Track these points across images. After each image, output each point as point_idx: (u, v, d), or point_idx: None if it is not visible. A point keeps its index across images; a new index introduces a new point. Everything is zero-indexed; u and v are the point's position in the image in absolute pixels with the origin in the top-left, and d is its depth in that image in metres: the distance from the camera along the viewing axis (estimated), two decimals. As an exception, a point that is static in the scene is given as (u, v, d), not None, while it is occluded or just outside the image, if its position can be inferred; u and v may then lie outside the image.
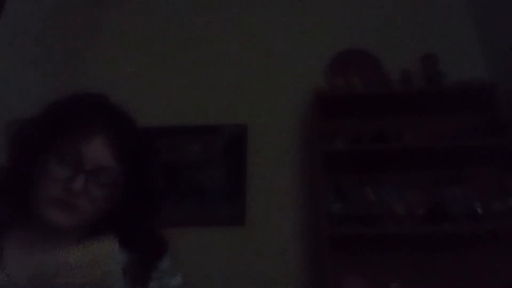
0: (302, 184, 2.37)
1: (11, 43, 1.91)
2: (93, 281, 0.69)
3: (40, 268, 0.69)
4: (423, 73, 2.36)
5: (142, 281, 0.79)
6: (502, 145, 2.08)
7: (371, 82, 2.36)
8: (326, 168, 2.12)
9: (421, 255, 2.09)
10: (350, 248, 2.11)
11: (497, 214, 2.00)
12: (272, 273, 2.16)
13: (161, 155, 2.39)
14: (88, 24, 2.75)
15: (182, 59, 2.74)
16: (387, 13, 2.70)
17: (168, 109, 2.55)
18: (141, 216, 0.80)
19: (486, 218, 2.00)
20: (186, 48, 2.78)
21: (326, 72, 2.57)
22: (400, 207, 2.08)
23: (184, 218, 2.28)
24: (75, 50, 2.54)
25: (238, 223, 2.29)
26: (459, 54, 2.50)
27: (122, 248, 0.76)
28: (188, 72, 2.70)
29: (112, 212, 0.75)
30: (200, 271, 2.09)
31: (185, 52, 2.77)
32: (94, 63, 2.63)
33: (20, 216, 0.72)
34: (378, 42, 2.58)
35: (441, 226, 1.99)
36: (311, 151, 2.38)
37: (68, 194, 0.69)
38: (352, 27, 2.70)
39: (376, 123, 2.30)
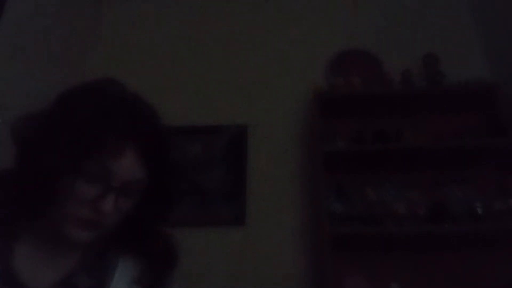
0: (302, 184, 2.36)
1: (11, 43, 1.91)
2: None
3: (56, 278, 0.66)
4: (424, 73, 2.36)
5: None
6: (503, 145, 2.08)
7: (371, 82, 2.36)
8: (326, 168, 2.12)
9: (422, 255, 2.09)
10: (351, 248, 2.11)
11: (497, 214, 2.00)
12: (272, 273, 2.15)
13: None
14: (90, 25, 2.75)
15: (183, 60, 2.74)
16: (388, 13, 2.69)
17: (168, 109, 2.53)
18: (157, 222, 0.75)
19: (486, 218, 2.00)
20: (187, 49, 2.78)
21: (326, 72, 2.56)
22: (401, 207, 2.08)
23: (184, 218, 2.27)
24: (76, 50, 2.54)
25: (238, 223, 2.28)
26: (460, 54, 2.50)
27: (134, 258, 0.73)
28: (188, 72, 2.70)
29: (130, 218, 0.70)
30: (200, 271, 2.09)
31: (185, 53, 2.76)
32: (95, 64, 2.62)
33: (32, 225, 0.68)
34: (379, 42, 2.58)
35: (441, 226, 1.98)
36: (311, 151, 2.38)
37: (97, 215, 0.63)
38: (353, 27, 2.70)
39: (377, 123, 2.30)
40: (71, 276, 0.68)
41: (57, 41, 2.28)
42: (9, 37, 1.88)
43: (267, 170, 2.41)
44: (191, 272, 2.03)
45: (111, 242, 0.72)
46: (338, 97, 2.33)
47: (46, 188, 0.62)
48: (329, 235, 1.97)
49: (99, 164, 0.62)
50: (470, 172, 2.20)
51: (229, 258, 2.21)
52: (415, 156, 2.17)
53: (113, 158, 0.63)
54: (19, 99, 1.71)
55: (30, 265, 0.66)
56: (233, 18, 2.85)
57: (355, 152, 2.18)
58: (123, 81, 0.74)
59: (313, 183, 2.32)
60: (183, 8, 2.90)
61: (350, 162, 2.23)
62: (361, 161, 2.21)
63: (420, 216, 2.05)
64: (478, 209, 2.03)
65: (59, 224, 0.64)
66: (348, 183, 2.24)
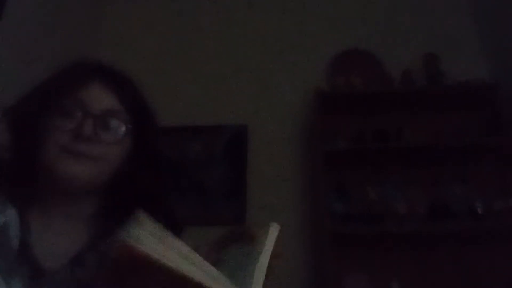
0: (303, 183, 2.36)
1: (11, 43, 1.91)
2: None
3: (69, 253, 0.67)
4: (424, 73, 2.36)
5: None
6: (503, 144, 2.08)
7: (372, 81, 2.36)
8: (327, 167, 2.12)
9: (422, 254, 2.09)
10: (351, 247, 2.11)
11: (497, 212, 2.00)
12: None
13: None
14: (90, 25, 2.75)
15: (183, 59, 2.74)
16: (388, 12, 2.70)
17: (169, 109, 2.54)
18: (153, 183, 0.76)
19: (486, 217, 2.00)
20: (187, 48, 2.78)
21: (327, 71, 2.56)
22: (401, 206, 2.08)
23: (184, 217, 2.27)
24: (76, 50, 2.54)
25: (238, 222, 2.28)
26: (460, 53, 2.50)
27: None
28: (188, 72, 2.70)
29: (126, 175, 0.72)
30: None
31: (185, 52, 2.76)
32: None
33: (38, 189, 0.69)
34: (380, 42, 2.58)
35: (442, 224, 1.99)
36: (312, 151, 2.38)
37: (78, 142, 0.66)
38: (353, 27, 2.69)
39: (377, 122, 2.30)
40: (80, 253, 0.68)
41: (57, 41, 2.28)
42: (10, 37, 1.88)
43: (267, 170, 2.41)
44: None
45: (112, 214, 0.72)
46: (338, 97, 2.33)
47: (29, 130, 0.67)
48: (330, 234, 1.97)
49: (69, 97, 0.68)
50: (470, 171, 2.20)
51: (230, 258, 2.21)
52: (415, 155, 2.17)
53: (81, 88, 0.69)
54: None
55: (43, 242, 0.66)
56: (234, 18, 2.84)
57: (356, 151, 2.19)
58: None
59: (314, 182, 2.32)
60: (183, 8, 2.90)
61: (350, 161, 2.23)
62: (362, 160, 2.22)
63: (420, 214, 2.05)
64: (478, 207, 2.04)
65: (50, 163, 0.66)
66: (348, 182, 2.24)
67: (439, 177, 2.21)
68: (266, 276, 0.56)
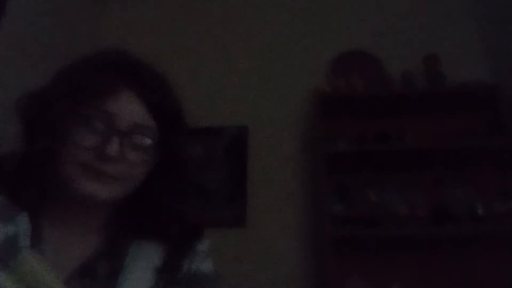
0: (303, 185, 2.36)
1: (12, 44, 1.91)
2: None
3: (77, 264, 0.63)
4: (425, 74, 2.36)
5: (173, 272, 0.68)
6: (504, 146, 2.07)
7: (372, 83, 2.36)
8: (328, 169, 2.12)
9: (423, 256, 2.08)
10: (352, 250, 2.10)
11: (498, 215, 2.00)
12: (273, 275, 2.15)
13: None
14: (90, 25, 2.75)
15: (183, 62, 2.73)
16: (388, 14, 2.69)
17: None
18: (173, 198, 0.70)
19: (487, 220, 2.00)
20: (187, 50, 2.78)
21: (327, 73, 2.56)
22: (402, 209, 2.07)
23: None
24: (76, 50, 2.54)
25: (239, 224, 2.28)
26: (460, 55, 2.50)
27: (150, 240, 0.68)
28: (189, 73, 2.69)
29: (148, 187, 0.66)
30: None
31: (185, 54, 2.76)
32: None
33: (53, 195, 0.64)
34: (380, 43, 2.58)
35: (443, 227, 1.98)
36: (313, 152, 2.37)
37: (101, 161, 0.59)
38: (354, 28, 2.69)
39: (378, 124, 2.29)
40: (89, 261, 0.65)
41: (58, 41, 2.28)
42: (10, 37, 1.88)
43: (268, 172, 2.40)
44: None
45: (126, 222, 0.69)
46: (339, 98, 2.33)
47: (45, 143, 0.60)
48: (330, 237, 1.97)
49: (96, 106, 0.60)
50: (471, 173, 2.19)
51: (230, 260, 2.20)
52: (416, 157, 2.16)
53: (109, 98, 0.60)
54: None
55: (53, 250, 0.63)
56: (234, 19, 2.84)
57: (356, 153, 2.18)
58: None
59: (314, 184, 2.32)
60: (183, 9, 2.90)
61: (351, 163, 2.22)
62: (363, 162, 2.21)
63: (421, 217, 2.05)
64: (479, 210, 2.03)
65: (70, 179, 0.60)
66: (349, 184, 2.24)
67: (440, 179, 2.20)
68: None
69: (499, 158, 2.14)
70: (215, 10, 2.88)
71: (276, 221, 2.28)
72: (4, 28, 1.83)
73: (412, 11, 2.69)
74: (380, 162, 2.21)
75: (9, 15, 1.87)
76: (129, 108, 0.62)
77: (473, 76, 2.29)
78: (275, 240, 2.24)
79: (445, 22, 2.64)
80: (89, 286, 0.63)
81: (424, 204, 2.10)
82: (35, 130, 0.62)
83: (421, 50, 2.46)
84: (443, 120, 2.31)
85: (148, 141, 0.64)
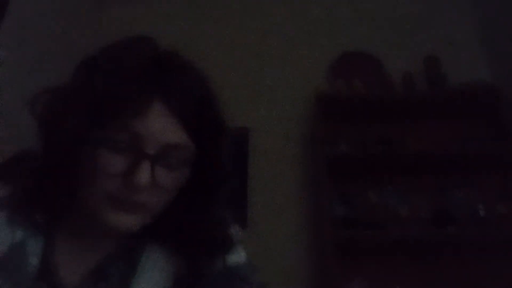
0: (304, 188, 2.35)
1: (12, 44, 1.91)
2: None
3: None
4: (425, 76, 2.35)
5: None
6: (506, 149, 2.07)
7: (373, 85, 2.36)
8: (329, 172, 2.11)
9: (425, 259, 2.07)
10: (354, 252, 2.09)
11: (500, 218, 1.99)
12: (274, 277, 2.14)
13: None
14: (90, 26, 2.74)
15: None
16: (389, 15, 2.69)
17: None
18: (207, 208, 0.62)
19: (489, 222, 1.99)
20: (186, 52, 2.77)
21: (328, 75, 2.56)
22: (404, 212, 2.07)
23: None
24: (76, 51, 2.53)
25: (240, 227, 2.27)
26: (461, 56, 2.50)
27: (169, 248, 0.63)
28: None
29: (176, 201, 0.58)
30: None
31: (185, 54, 2.75)
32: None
33: (69, 211, 0.58)
34: (380, 44, 2.58)
35: (444, 230, 1.97)
36: (313, 155, 2.37)
37: (129, 190, 0.51)
38: (354, 30, 2.69)
39: (379, 126, 2.29)
40: (102, 264, 0.61)
41: (58, 41, 2.28)
42: (10, 37, 1.88)
43: (268, 174, 2.39)
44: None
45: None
46: (340, 101, 2.32)
47: (68, 162, 0.52)
48: (332, 239, 1.96)
49: (122, 127, 0.51)
50: (472, 176, 2.19)
51: (231, 263, 2.19)
52: (417, 160, 2.15)
53: (137, 116, 0.50)
54: (21, 99, 1.70)
55: (67, 257, 0.59)
56: (234, 20, 2.84)
57: (358, 156, 2.17)
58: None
59: (315, 187, 2.31)
60: (183, 9, 2.90)
61: (352, 166, 2.22)
62: (364, 165, 2.20)
63: (423, 220, 2.04)
64: (481, 212, 2.03)
65: (94, 208, 0.53)
66: (350, 187, 2.23)
67: (441, 182, 2.19)
68: None
69: (500, 160, 2.13)
70: (215, 11, 2.88)
71: (277, 224, 2.27)
72: (5, 28, 1.83)
73: (412, 13, 2.69)
74: (381, 165, 2.20)
75: (10, 15, 1.87)
76: (158, 127, 0.52)
77: (474, 78, 2.28)
78: (276, 243, 2.23)
79: (446, 23, 2.64)
80: None
81: (426, 207, 2.09)
82: (56, 138, 0.53)
83: (422, 52, 2.45)
84: (444, 123, 2.30)
85: (182, 162, 0.55)
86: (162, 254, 0.64)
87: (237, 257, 0.69)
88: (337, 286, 1.92)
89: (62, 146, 0.52)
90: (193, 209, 0.61)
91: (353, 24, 2.72)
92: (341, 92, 2.35)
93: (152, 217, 0.56)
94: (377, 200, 2.16)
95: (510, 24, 2.27)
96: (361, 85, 2.33)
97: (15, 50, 1.91)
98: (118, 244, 0.62)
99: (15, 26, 1.92)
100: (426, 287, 2.03)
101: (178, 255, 0.63)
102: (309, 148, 2.42)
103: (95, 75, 0.53)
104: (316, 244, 2.20)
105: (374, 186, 2.22)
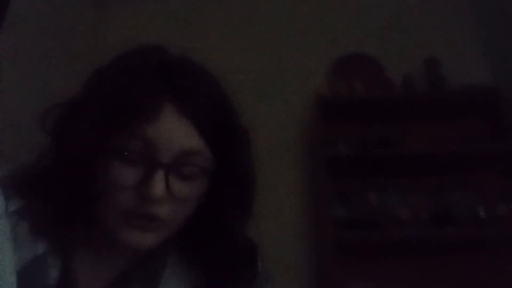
0: (304, 189, 2.35)
1: (13, 46, 1.91)
2: None
3: None
4: (426, 77, 2.35)
5: None
6: (506, 150, 2.07)
7: (373, 86, 2.36)
8: (329, 173, 2.11)
9: (426, 260, 2.07)
10: (354, 253, 2.09)
11: (500, 218, 1.99)
12: (274, 278, 2.13)
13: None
14: (91, 26, 2.75)
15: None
16: (389, 17, 2.69)
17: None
18: (228, 221, 0.59)
19: (489, 223, 1.99)
20: (187, 51, 2.77)
21: (328, 76, 2.56)
22: (404, 212, 2.06)
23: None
24: (77, 49, 2.53)
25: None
26: (461, 57, 2.49)
27: (190, 260, 0.60)
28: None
29: (194, 215, 0.55)
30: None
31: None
32: (96, 64, 2.61)
33: (85, 230, 0.56)
34: (380, 46, 2.58)
35: (445, 231, 1.97)
36: (313, 156, 2.36)
37: (145, 204, 0.49)
38: (354, 31, 2.69)
39: (379, 127, 2.28)
40: (124, 275, 0.58)
41: (59, 42, 2.28)
42: (11, 39, 1.88)
43: (268, 175, 2.38)
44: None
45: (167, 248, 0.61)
46: (340, 102, 2.32)
47: (83, 177, 0.49)
48: (332, 240, 1.96)
49: (133, 135, 0.48)
50: (472, 176, 2.19)
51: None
52: (417, 160, 2.15)
53: (148, 122, 0.48)
54: (22, 102, 1.70)
55: (87, 270, 0.57)
56: (234, 21, 2.84)
57: (358, 157, 2.17)
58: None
59: (315, 188, 2.31)
60: (183, 10, 2.89)
61: (352, 167, 2.21)
62: (364, 165, 2.20)
63: (423, 221, 2.04)
64: (481, 213, 2.03)
65: (110, 226, 0.51)
66: (350, 188, 2.23)
67: (442, 183, 2.19)
68: None
69: (500, 161, 2.13)
70: (215, 12, 2.88)
71: (277, 225, 2.26)
72: (5, 28, 1.83)
73: (412, 14, 2.69)
74: (381, 165, 2.20)
75: (10, 15, 1.87)
76: (171, 133, 0.49)
77: (474, 79, 2.28)
78: (276, 244, 2.22)
79: (446, 25, 2.64)
80: None
81: (426, 208, 2.09)
82: (67, 154, 0.51)
83: (422, 53, 2.45)
84: (445, 124, 2.30)
85: (200, 172, 0.52)
86: (185, 268, 0.61)
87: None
88: (337, 286, 1.92)
89: (77, 159, 0.50)
90: (214, 223, 0.58)
91: (353, 26, 2.72)
92: (341, 93, 2.35)
93: (171, 233, 0.54)
94: (377, 201, 2.16)
95: (510, 24, 2.27)
96: (361, 86, 2.33)
97: (15, 50, 1.91)
98: (140, 258, 0.59)
99: (15, 26, 1.91)
100: (426, 287, 2.03)
101: (200, 270, 0.61)
102: (309, 149, 2.42)
103: (105, 84, 0.53)
104: (316, 245, 2.20)
105: (374, 186, 2.22)
